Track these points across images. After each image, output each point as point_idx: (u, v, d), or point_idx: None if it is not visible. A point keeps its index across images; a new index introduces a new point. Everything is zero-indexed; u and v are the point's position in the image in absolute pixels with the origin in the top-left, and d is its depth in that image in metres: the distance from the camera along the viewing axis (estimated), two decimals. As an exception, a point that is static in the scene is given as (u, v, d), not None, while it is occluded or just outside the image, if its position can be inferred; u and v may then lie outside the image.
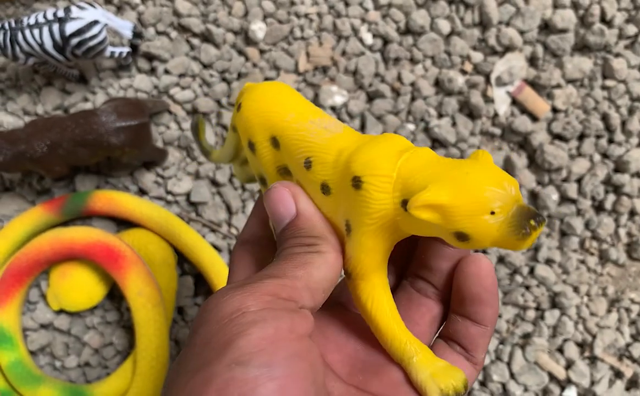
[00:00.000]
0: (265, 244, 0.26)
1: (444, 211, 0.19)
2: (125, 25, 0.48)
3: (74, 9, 0.45)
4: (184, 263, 0.50)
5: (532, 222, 0.18)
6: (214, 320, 0.18)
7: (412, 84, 0.50)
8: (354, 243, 0.21)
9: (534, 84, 0.50)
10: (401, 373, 0.23)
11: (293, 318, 0.19)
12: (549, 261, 0.49)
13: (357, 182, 0.20)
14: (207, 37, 0.51)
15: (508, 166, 0.49)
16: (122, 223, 0.50)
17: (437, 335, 0.25)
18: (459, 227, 0.19)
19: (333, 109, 0.50)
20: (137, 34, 0.49)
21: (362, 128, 0.50)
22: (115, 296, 0.50)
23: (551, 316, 0.49)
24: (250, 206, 0.49)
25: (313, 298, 0.21)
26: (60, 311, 0.49)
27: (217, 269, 0.46)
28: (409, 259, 0.26)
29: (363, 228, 0.21)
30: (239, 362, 0.17)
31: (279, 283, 0.20)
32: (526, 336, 0.49)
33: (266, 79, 0.51)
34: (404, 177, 0.20)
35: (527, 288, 0.49)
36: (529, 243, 0.19)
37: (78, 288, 0.48)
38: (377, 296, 0.22)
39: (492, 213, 0.18)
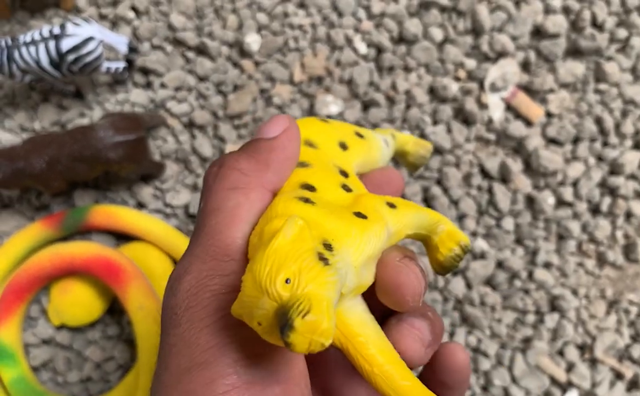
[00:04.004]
0: None
1: None
2: (120, 41, 0.49)
3: (69, 25, 0.45)
4: (184, 275, 0.50)
5: (282, 333, 0.15)
6: (193, 320, 0.18)
7: (407, 92, 0.51)
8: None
9: (527, 89, 0.51)
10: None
11: None
12: (547, 265, 0.50)
13: None
14: (202, 51, 0.51)
15: (504, 172, 0.50)
16: (122, 237, 0.50)
17: None
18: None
19: (329, 118, 0.50)
20: (132, 49, 0.50)
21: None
22: (115, 310, 0.50)
23: (551, 319, 0.49)
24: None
25: None
26: (62, 327, 0.49)
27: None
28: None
29: None
30: (243, 365, 0.17)
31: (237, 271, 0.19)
32: (526, 340, 0.49)
33: (261, 90, 0.51)
34: None
35: (526, 291, 0.49)
36: (298, 347, 0.15)
37: (79, 303, 0.48)
38: None
39: (259, 324, 0.16)
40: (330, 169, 0.23)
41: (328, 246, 0.18)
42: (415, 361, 0.21)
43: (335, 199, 0.21)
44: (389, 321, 0.22)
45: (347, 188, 0.22)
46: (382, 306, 0.22)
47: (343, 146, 0.25)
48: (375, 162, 0.28)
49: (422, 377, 0.25)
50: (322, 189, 0.22)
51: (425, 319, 0.23)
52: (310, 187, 0.21)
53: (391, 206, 0.22)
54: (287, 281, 0.16)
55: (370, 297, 0.22)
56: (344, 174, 0.24)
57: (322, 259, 0.17)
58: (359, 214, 0.20)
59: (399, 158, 0.33)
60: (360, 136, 0.27)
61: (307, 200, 0.20)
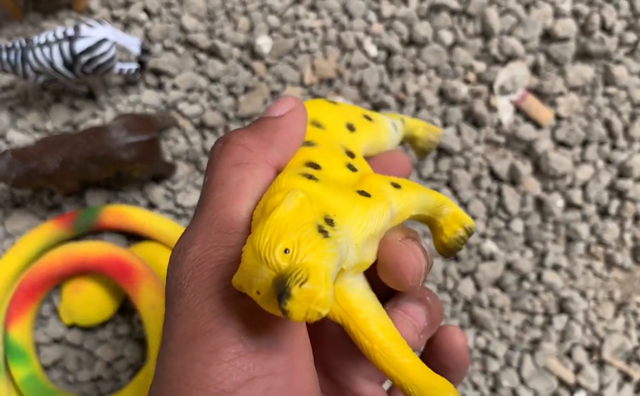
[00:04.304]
0: None
1: None
2: (133, 42, 0.49)
3: (83, 27, 0.46)
4: (194, 275, 0.50)
5: (280, 301, 0.16)
6: (198, 292, 0.18)
7: (417, 95, 0.51)
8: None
9: (536, 92, 0.51)
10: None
11: None
12: (555, 267, 0.50)
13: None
14: (213, 52, 0.52)
15: (513, 174, 0.50)
16: (133, 237, 0.50)
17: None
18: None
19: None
20: (145, 51, 0.50)
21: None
22: (126, 309, 0.50)
23: (559, 321, 0.49)
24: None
25: None
26: (72, 326, 0.50)
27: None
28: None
29: None
30: (248, 334, 0.17)
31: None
32: (535, 342, 0.49)
33: (272, 92, 0.51)
34: None
35: (535, 293, 0.50)
36: (295, 315, 0.16)
37: (90, 302, 0.48)
38: None
39: (258, 293, 0.16)
40: (337, 149, 0.24)
41: (329, 221, 0.18)
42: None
43: (339, 178, 0.22)
44: (384, 307, 0.23)
45: (352, 168, 0.23)
46: (384, 287, 0.23)
47: (350, 128, 0.26)
48: (383, 145, 0.28)
49: (422, 359, 0.26)
50: (327, 168, 0.22)
51: (422, 304, 0.23)
52: (315, 165, 0.22)
53: (396, 186, 0.22)
54: (285, 251, 0.16)
55: (373, 277, 0.22)
56: (350, 154, 0.24)
57: (322, 231, 0.17)
58: (363, 193, 0.21)
59: (409, 143, 0.33)
60: (368, 118, 0.27)
61: (310, 176, 0.20)
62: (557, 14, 0.51)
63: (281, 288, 0.15)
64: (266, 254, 0.16)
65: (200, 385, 0.16)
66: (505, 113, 0.51)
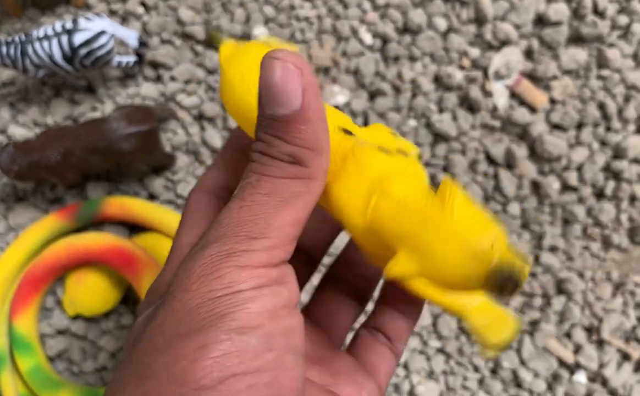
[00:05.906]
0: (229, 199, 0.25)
1: (417, 273, 0.20)
2: (131, 35, 0.50)
3: (81, 20, 0.46)
4: (196, 264, 0.50)
5: (507, 290, 0.18)
6: (201, 291, 0.17)
7: (412, 81, 0.51)
8: None
9: (531, 76, 0.51)
10: (344, 362, 0.25)
11: (287, 292, 0.19)
12: (553, 249, 0.50)
13: None
14: (210, 44, 0.52)
15: (509, 158, 0.50)
16: (134, 228, 0.51)
17: (361, 325, 0.27)
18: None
19: (336, 108, 0.51)
20: (142, 43, 0.51)
21: (365, 125, 0.51)
22: (129, 299, 0.51)
23: (558, 302, 0.50)
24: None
25: (290, 248, 0.19)
26: (76, 317, 0.50)
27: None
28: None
29: None
30: (239, 332, 0.17)
31: (267, 248, 0.18)
32: (534, 323, 0.50)
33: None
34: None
35: (533, 275, 0.50)
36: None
37: (94, 293, 0.49)
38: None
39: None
40: None
41: None
42: None
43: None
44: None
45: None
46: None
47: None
48: None
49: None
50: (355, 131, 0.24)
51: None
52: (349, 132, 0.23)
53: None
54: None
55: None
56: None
57: None
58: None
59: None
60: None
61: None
62: (550, -1, 0.52)
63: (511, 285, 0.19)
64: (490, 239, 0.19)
65: (181, 382, 0.16)
66: (500, 98, 0.51)
